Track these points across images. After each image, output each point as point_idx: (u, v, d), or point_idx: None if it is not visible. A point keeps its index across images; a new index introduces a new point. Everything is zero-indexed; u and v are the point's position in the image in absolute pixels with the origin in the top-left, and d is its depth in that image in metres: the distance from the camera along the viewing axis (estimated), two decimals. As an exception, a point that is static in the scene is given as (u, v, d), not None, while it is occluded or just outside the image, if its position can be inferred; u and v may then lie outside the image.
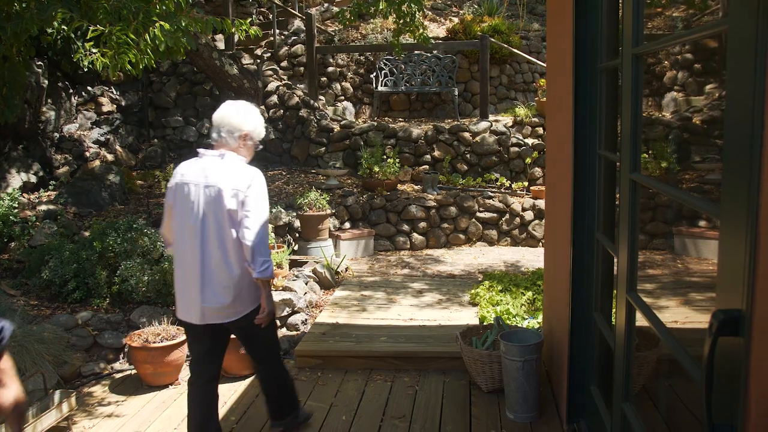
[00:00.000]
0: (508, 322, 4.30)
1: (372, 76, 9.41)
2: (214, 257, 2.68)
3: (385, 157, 7.94)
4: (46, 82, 7.18)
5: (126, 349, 4.21)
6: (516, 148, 8.22)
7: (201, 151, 2.83)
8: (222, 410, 3.48)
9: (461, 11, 11.13)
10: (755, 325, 1.08)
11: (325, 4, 10.77)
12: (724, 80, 1.22)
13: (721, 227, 1.23)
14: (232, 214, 2.65)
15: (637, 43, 1.86)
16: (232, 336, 2.98)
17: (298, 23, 9.94)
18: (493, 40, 8.94)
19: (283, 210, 6.68)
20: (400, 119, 9.30)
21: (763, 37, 1.02)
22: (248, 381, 3.88)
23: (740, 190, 1.13)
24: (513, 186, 8.00)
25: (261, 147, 2.90)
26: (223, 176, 2.68)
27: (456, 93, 9.12)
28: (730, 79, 1.18)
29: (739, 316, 1.12)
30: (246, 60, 9.07)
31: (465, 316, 4.79)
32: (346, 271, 6.28)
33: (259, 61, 9.40)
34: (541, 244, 7.40)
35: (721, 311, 1.15)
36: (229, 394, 3.71)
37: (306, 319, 4.80)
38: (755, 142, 1.05)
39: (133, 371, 4.03)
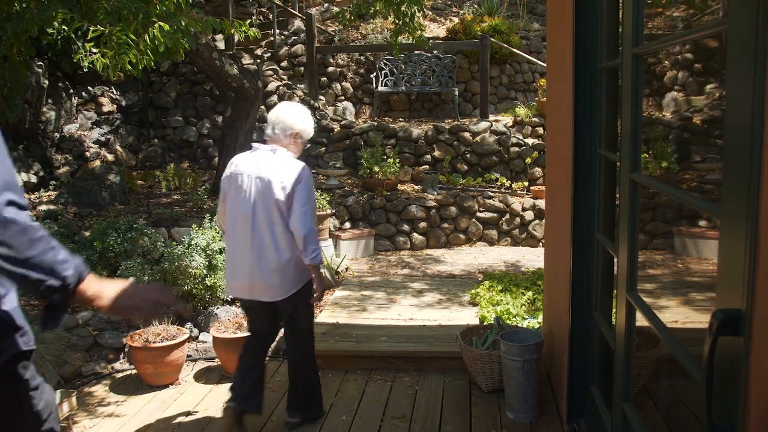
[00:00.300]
0: (508, 322, 4.30)
1: (372, 76, 9.41)
2: (264, 242, 2.95)
3: (385, 157, 7.94)
4: (47, 82, 7.18)
5: (126, 349, 4.21)
6: (516, 148, 8.22)
7: (255, 145, 3.10)
8: (222, 410, 3.49)
9: (461, 11, 11.13)
10: (755, 324, 1.08)
11: (325, 4, 10.77)
12: (725, 80, 1.22)
13: (721, 227, 1.23)
14: (280, 204, 2.91)
15: (637, 42, 1.86)
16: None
17: (298, 23, 9.94)
18: (493, 40, 8.94)
19: (283, 210, 6.68)
20: (400, 119, 9.31)
21: (762, 37, 1.02)
22: (248, 381, 3.88)
23: (740, 189, 1.13)
24: (513, 186, 8.00)
25: (308, 146, 3.12)
26: (274, 169, 2.93)
27: (456, 93, 9.12)
28: (730, 78, 1.18)
29: (739, 315, 1.12)
30: (246, 60, 9.07)
31: (465, 316, 4.79)
32: (346, 271, 6.28)
33: (259, 61, 9.40)
34: (541, 244, 7.41)
35: (721, 311, 1.15)
36: (229, 394, 3.70)
37: (306, 319, 4.80)
38: (755, 142, 1.05)
39: (134, 371, 4.03)
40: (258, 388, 3.15)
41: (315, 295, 3.06)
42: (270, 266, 2.94)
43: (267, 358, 3.30)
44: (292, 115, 3.05)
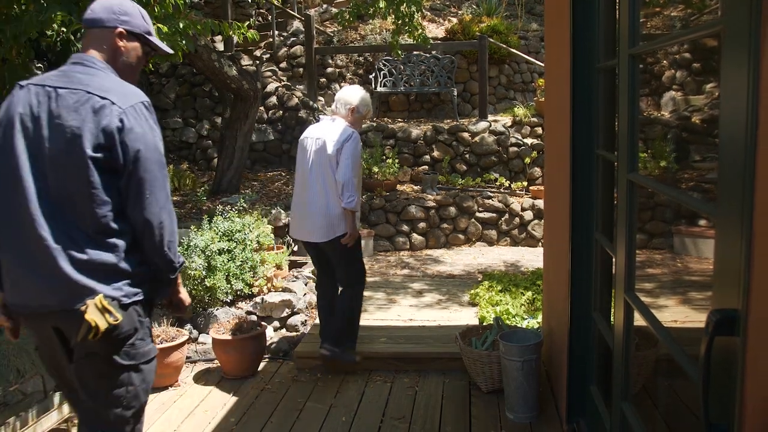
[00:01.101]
0: (507, 322, 4.31)
1: (371, 76, 9.42)
2: (316, 191, 3.61)
3: (384, 157, 7.94)
4: (46, 84, 7.17)
5: (126, 351, 4.21)
6: (515, 148, 8.23)
7: (321, 117, 3.87)
8: (221, 412, 3.49)
9: (460, 12, 11.14)
10: (751, 324, 1.08)
11: (324, 6, 10.78)
12: (720, 80, 1.23)
13: (716, 227, 1.23)
14: (331, 159, 3.56)
15: (633, 43, 1.86)
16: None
17: (297, 24, 9.95)
18: (491, 40, 8.94)
19: (282, 211, 6.68)
20: (399, 120, 9.31)
21: (756, 38, 1.03)
22: (248, 382, 3.89)
23: (735, 189, 1.13)
24: (512, 186, 8.00)
25: (365, 124, 3.66)
26: (330, 132, 3.63)
27: (455, 93, 9.13)
28: (725, 79, 1.18)
29: (735, 315, 1.13)
30: (245, 61, 9.08)
31: (465, 317, 4.80)
32: (346, 271, 6.28)
33: (258, 62, 9.41)
34: (540, 243, 7.41)
35: (717, 311, 1.15)
36: (228, 395, 3.71)
37: (306, 320, 4.80)
38: (749, 142, 1.06)
39: (133, 373, 4.02)
40: (340, 328, 3.84)
41: (346, 237, 3.61)
42: (318, 211, 3.58)
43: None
44: (350, 94, 3.75)
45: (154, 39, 2.10)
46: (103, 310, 1.84)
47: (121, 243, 1.92)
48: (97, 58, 1.97)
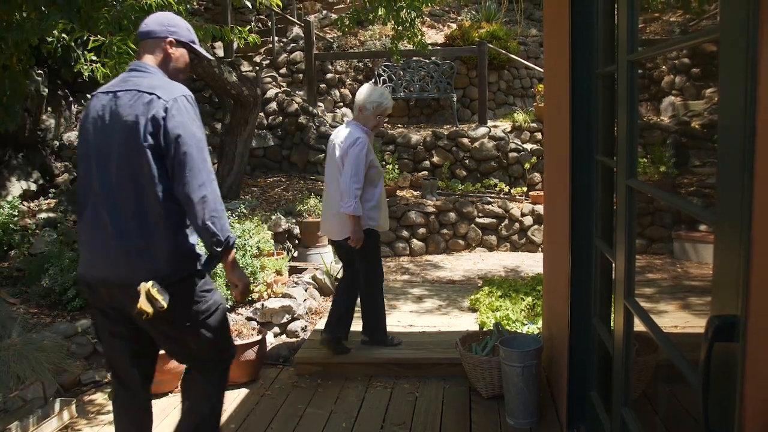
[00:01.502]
0: (507, 327, 4.30)
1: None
2: (331, 194, 3.85)
3: (384, 163, 7.95)
4: (46, 90, 7.20)
5: (126, 357, 4.20)
6: (515, 154, 8.24)
7: (346, 119, 4.26)
8: (222, 418, 3.48)
9: (459, 17, 11.17)
10: (750, 330, 1.08)
11: (324, 12, 10.81)
12: (719, 87, 1.23)
13: (715, 233, 1.23)
14: (339, 164, 3.77)
15: (631, 49, 1.87)
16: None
17: (296, 30, 9.98)
18: (491, 46, 8.97)
19: (282, 216, 6.68)
20: (399, 125, 9.32)
21: (753, 44, 1.03)
22: (248, 388, 3.88)
23: (734, 195, 1.13)
24: (512, 191, 8.01)
25: (382, 117, 3.89)
26: (339, 137, 3.82)
27: (455, 99, 9.15)
28: (722, 86, 1.19)
29: (734, 321, 1.13)
30: (245, 67, 9.10)
31: (465, 322, 4.79)
32: (346, 277, 6.27)
33: (258, 68, 9.43)
34: (540, 249, 7.41)
35: (717, 317, 1.16)
36: (229, 401, 3.70)
37: (306, 326, 4.80)
38: (747, 149, 1.06)
39: (133, 379, 4.01)
40: (343, 319, 4.01)
41: (349, 240, 3.72)
42: (332, 211, 3.83)
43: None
44: (359, 93, 3.87)
45: (198, 47, 2.43)
46: (151, 298, 2.11)
47: (173, 222, 2.21)
48: (150, 63, 2.31)
